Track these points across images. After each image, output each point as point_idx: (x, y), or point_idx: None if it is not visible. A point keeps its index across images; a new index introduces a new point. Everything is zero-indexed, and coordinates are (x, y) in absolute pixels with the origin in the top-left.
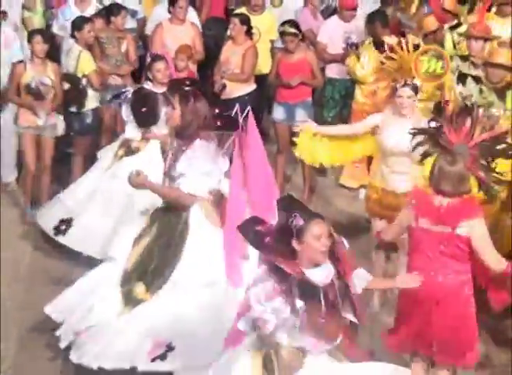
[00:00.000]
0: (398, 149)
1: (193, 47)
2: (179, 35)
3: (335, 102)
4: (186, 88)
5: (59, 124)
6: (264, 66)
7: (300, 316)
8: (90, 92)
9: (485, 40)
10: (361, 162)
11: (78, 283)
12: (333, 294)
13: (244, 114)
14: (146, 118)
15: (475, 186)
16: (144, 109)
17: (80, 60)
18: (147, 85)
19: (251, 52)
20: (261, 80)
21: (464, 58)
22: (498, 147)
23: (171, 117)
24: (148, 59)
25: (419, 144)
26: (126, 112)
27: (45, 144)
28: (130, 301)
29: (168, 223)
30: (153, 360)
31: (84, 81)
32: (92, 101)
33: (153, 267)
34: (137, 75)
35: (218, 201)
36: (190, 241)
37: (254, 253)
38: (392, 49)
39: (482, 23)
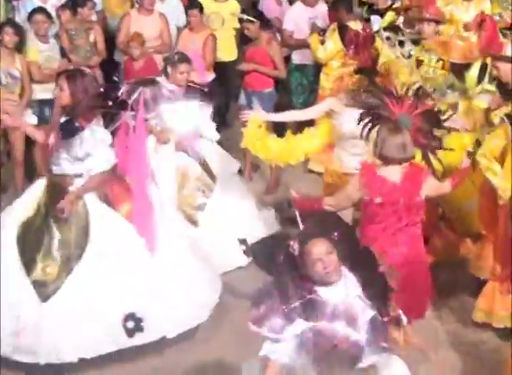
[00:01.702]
0: (354, 133)
1: (161, 38)
2: (145, 26)
3: (303, 88)
4: (72, 68)
5: (29, 117)
6: (229, 53)
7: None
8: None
9: (437, 22)
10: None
11: None
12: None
13: (135, 96)
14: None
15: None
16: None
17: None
18: (161, 80)
19: (211, 41)
20: (224, 67)
21: (416, 41)
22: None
23: (59, 98)
24: (175, 57)
25: (362, 118)
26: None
27: (15, 137)
28: (43, 283)
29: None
30: (130, 335)
31: None
32: (37, 92)
33: (55, 244)
34: (106, 67)
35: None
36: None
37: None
38: (356, 36)
39: (434, 6)
